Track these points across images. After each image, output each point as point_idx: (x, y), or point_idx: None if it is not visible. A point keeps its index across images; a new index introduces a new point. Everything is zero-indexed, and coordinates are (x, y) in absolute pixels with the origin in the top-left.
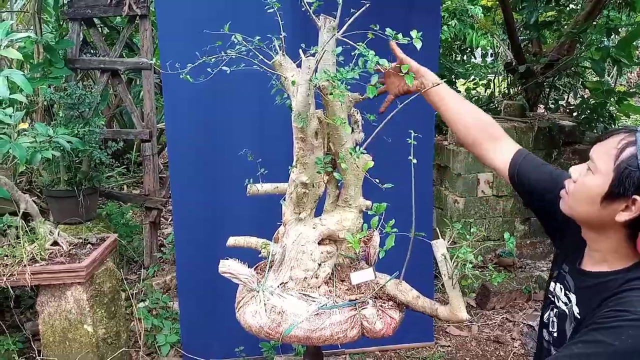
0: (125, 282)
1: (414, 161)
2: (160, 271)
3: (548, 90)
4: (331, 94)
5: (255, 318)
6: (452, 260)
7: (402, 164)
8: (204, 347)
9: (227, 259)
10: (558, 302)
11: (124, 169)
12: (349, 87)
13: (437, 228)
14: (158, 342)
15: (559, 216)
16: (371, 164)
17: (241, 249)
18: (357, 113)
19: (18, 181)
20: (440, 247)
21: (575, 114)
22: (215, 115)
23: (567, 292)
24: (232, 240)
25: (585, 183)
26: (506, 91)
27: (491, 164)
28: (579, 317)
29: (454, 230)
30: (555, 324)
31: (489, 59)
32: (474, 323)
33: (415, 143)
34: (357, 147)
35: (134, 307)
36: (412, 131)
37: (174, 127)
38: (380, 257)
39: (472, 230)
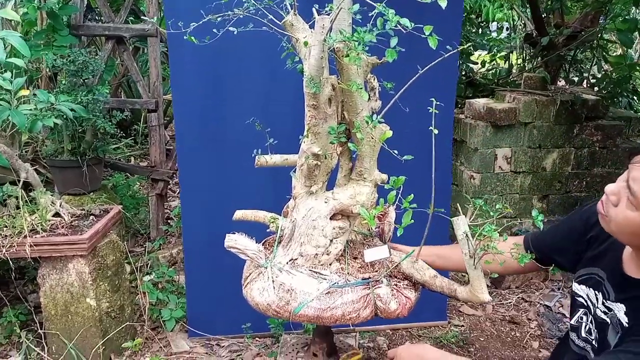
0: (130, 255)
1: (436, 132)
2: (166, 244)
3: (569, 63)
4: (347, 56)
5: (263, 295)
6: (474, 238)
7: (420, 135)
8: (209, 323)
9: (234, 234)
10: (594, 309)
11: (132, 140)
12: (366, 48)
13: (457, 205)
14: (163, 316)
15: (580, 246)
16: (389, 133)
17: (249, 223)
18: (374, 79)
19: (24, 151)
20: (461, 224)
21: (596, 88)
22: (223, 83)
23: (606, 300)
24: (239, 214)
25: (628, 217)
26: (523, 65)
27: (518, 269)
28: (626, 325)
29: (475, 206)
30: (594, 331)
31: (504, 34)
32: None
33: (437, 112)
34: (374, 116)
35: (139, 280)
36: (433, 99)
37: (181, 96)
38: (398, 235)
39: (497, 207)
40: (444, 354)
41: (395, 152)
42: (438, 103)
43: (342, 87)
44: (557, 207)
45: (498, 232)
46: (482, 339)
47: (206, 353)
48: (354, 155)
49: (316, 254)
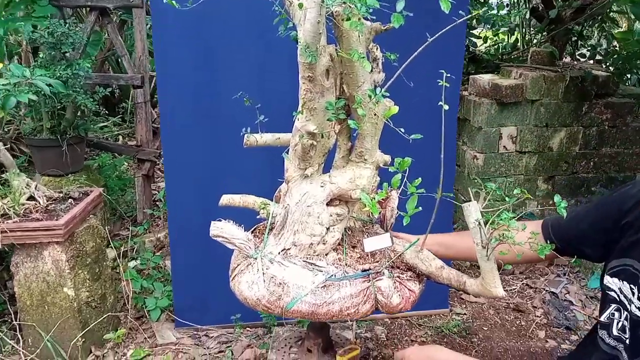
0: (115, 239)
1: (446, 107)
2: (153, 227)
3: (576, 38)
4: (348, 19)
5: (252, 289)
6: (487, 226)
7: (425, 112)
8: (197, 313)
9: (220, 221)
10: (629, 305)
11: (119, 118)
12: (370, 10)
13: (467, 189)
14: (147, 306)
15: (613, 235)
16: (395, 109)
17: (237, 209)
18: (377, 49)
19: (6, 130)
20: (473, 210)
21: (604, 65)
22: (211, 55)
23: None
24: (225, 199)
25: None
26: (530, 39)
27: (534, 260)
28: None
29: (488, 191)
30: (628, 329)
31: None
32: (503, 298)
33: (448, 85)
34: (377, 89)
35: (121, 267)
36: (443, 71)
37: (164, 68)
38: (404, 224)
39: (515, 191)
40: (457, 356)
41: (402, 130)
42: (448, 75)
43: (342, 57)
44: (564, 189)
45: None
46: (485, 328)
47: (194, 344)
48: (354, 134)
49: (311, 244)
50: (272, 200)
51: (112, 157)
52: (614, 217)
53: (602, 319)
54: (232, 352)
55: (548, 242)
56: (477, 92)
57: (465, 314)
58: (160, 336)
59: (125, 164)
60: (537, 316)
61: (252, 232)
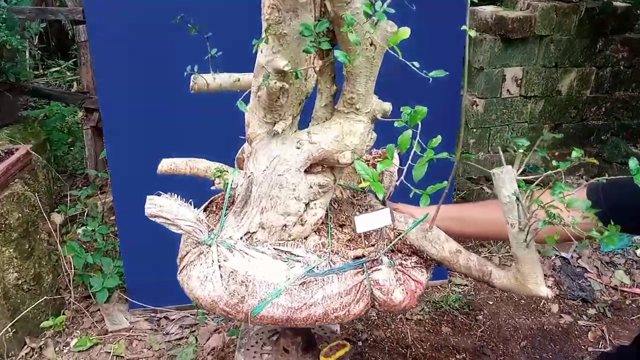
0: (63, 202)
1: (472, 33)
2: (107, 187)
3: None
4: None
5: (206, 288)
6: (525, 201)
7: (426, 47)
8: (154, 292)
9: (160, 195)
10: None
11: (73, 63)
12: None
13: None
14: (93, 287)
15: None
16: (405, 33)
17: (186, 179)
18: None
19: None
20: (507, 179)
21: None
22: None
23: None
24: (165, 165)
25: None
26: None
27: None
28: None
29: (524, 150)
30: None
31: None
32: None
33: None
34: (377, 4)
35: (58, 242)
36: None
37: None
38: (422, 204)
39: (574, 154)
40: None
41: (416, 64)
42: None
43: None
44: (571, 138)
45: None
46: (490, 303)
47: (151, 329)
48: (342, 74)
49: (284, 225)
50: (233, 167)
51: (65, 106)
52: None
53: None
54: (196, 338)
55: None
56: (478, 27)
57: (466, 284)
58: (111, 321)
59: (81, 113)
60: (548, 286)
61: (205, 209)
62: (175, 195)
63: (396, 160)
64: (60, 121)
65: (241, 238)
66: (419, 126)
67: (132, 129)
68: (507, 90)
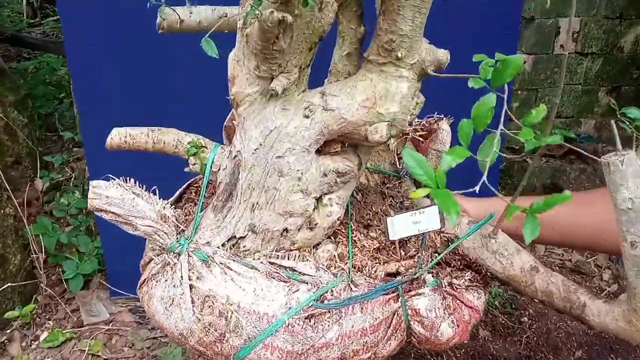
0: (45, 169)
1: None
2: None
3: None
4: None
5: (172, 315)
6: None
7: None
8: (139, 278)
9: (108, 179)
10: None
11: None
12: None
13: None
14: (66, 273)
15: None
16: None
17: (157, 157)
18: None
19: None
20: (629, 173)
21: None
22: None
23: None
24: (116, 137)
25: None
26: None
27: None
28: None
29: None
30: None
31: None
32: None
33: None
34: None
35: (23, 217)
36: None
37: None
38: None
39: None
40: None
41: None
42: None
43: None
44: (630, 104)
45: None
46: (536, 302)
47: (135, 322)
48: (374, 7)
49: (285, 230)
50: (220, 142)
51: (57, 57)
52: None
53: None
54: None
55: None
56: None
57: None
58: (88, 312)
59: None
60: (604, 281)
61: (180, 197)
62: (133, 180)
63: (447, 127)
64: (51, 74)
65: (223, 245)
66: (505, 89)
67: (104, 84)
68: (561, 45)
